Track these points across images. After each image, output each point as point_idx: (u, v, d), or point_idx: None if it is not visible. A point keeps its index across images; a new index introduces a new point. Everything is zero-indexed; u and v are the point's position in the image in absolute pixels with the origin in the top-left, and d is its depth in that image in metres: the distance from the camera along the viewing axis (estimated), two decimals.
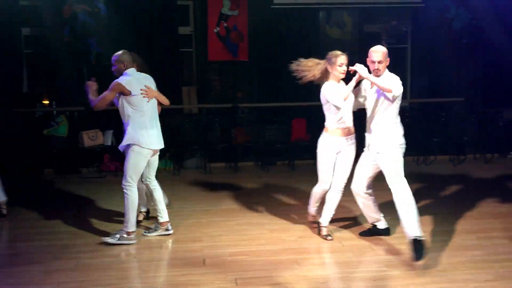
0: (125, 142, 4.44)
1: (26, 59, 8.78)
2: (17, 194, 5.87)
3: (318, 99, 4.41)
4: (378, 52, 4.13)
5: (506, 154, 8.43)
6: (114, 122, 6.51)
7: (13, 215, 5.40)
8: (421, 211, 5.29)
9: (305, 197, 6.09)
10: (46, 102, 8.74)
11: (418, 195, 5.93)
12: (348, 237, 4.59)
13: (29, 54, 8.76)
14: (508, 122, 8.66)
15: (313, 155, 8.08)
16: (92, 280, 3.77)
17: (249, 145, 8.26)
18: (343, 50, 4.38)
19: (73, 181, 7.29)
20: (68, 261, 4.13)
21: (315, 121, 8.23)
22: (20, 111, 8.04)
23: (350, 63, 4.29)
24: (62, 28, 8.16)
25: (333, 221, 5.09)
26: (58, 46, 8.17)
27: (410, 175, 6.76)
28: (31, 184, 7.05)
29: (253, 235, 4.72)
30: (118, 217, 5.11)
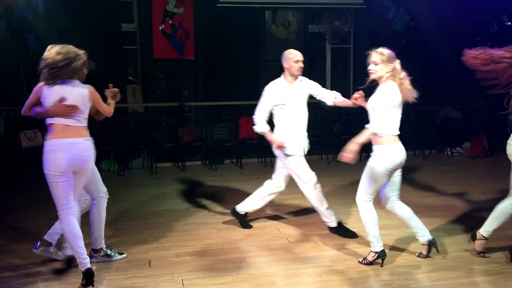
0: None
1: None
2: None
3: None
4: None
5: (443, 150, 8.85)
6: None
7: None
8: None
9: None
10: None
11: None
12: (294, 234, 4.65)
13: None
14: (444, 119, 9.12)
15: (260, 153, 8.26)
16: None
17: (197, 144, 8.20)
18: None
19: (11, 183, 6.95)
20: (4, 270, 3.92)
21: None
22: None
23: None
24: None
25: (279, 218, 5.17)
26: None
27: (355, 172, 6.95)
28: None
29: (200, 235, 4.69)
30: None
